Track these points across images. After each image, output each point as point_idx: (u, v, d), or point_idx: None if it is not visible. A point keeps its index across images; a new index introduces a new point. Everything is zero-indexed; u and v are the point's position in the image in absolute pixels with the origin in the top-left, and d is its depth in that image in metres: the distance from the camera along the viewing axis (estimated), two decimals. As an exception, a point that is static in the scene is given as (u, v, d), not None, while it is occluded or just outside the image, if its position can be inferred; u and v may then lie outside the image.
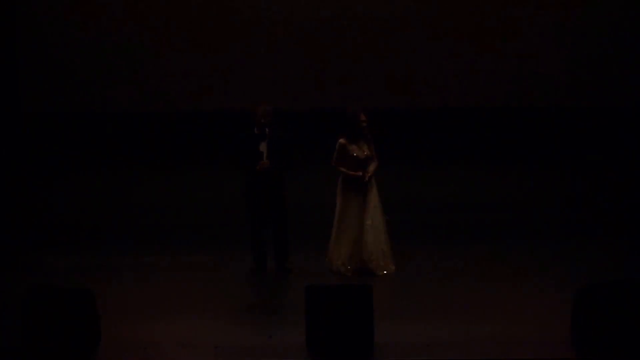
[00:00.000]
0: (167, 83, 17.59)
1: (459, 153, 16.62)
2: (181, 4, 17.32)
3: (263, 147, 11.45)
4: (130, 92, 17.58)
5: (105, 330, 9.71)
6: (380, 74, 17.40)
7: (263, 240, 11.83)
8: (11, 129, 17.29)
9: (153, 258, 12.33)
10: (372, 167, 11.61)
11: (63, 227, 13.57)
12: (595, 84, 17.29)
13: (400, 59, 17.30)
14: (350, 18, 17.27)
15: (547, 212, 14.03)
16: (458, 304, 10.80)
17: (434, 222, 13.71)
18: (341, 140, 11.56)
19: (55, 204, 14.74)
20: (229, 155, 11.66)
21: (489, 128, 17.26)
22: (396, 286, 11.45)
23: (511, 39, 17.25)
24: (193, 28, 17.46)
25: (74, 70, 17.42)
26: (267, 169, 11.41)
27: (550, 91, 17.44)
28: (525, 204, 14.43)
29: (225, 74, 17.49)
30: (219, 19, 17.46)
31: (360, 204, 11.61)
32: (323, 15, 17.31)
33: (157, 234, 13.21)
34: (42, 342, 9.36)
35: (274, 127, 11.53)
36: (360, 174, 11.52)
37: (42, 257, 12.42)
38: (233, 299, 11.11)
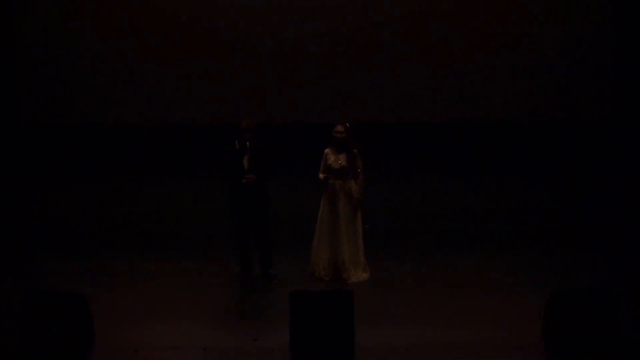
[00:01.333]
0: (157, 97, 17.71)
1: (438, 166, 16.78)
2: (171, 25, 17.40)
3: (246, 160, 11.52)
4: (123, 106, 17.66)
5: (98, 333, 9.83)
6: (365, 89, 17.64)
7: (248, 247, 11.87)
8: (10, 138, 17.41)
9: (144, 264, 12.31)
10: (355, 185, 11.70)
11: (58, 235, 13.58)
12: (571, 98, 17.55)
13: (384, 75, 17.55)
14: (338, 34, 17.47)
15: (520, 222, 14.06)
16: (435, 310, 10.88)
17: (413, 230, 13.79)
18: (325, 150, 11.73)
19: (52, 212, 14.72)
20: (216, 167, 11.80)
21: (466, 142, 17.51)
22: (376, 292, 11.48)
23: (496, 56, 17.51)
24: (183, 47, 17.49)
25: (70, 85, 17.57)
26: (252, 182, 11.50)
27: (528, 106, 17.69)
28: (500, 215, 14.43)
29: (212, 89, 17.67)
30: (206, 38, 17.56)
31: (337, 213, 11.68)
32: (310, 32, 17.50)
33: (148, 241, 13.08)
34: (39, 345, 9.45)
35: (256, 140, 11.58)
36: (329, 180, 11.65)
37: (39, 262, 12.30)
38: (220, 303, 11.21)
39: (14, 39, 17.34)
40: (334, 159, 11.65)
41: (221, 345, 10.00)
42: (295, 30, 17.31)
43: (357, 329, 9.76)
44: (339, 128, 11.61)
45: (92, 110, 17.51)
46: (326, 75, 17.41)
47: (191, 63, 17.48)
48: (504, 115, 17.58)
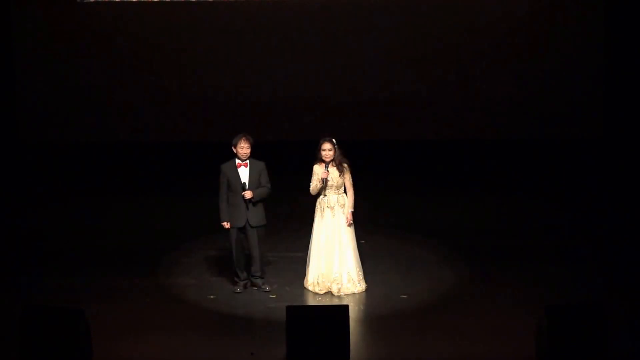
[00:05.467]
0: (155, 115, 17.80)
1: (443, 182, 17.02)
2: (167, 45, 17.55)
3: (244, 176, 11.58)
4: (120, 124, 17.77)
5: (96, 347, 9.77)
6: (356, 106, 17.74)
7: (244, 262, 11.85)
8: (9, 154, 17.44)
9: (141, 279, 12.22)
10: (347, 199, 11.71)
11: (55, 250, 13.59)
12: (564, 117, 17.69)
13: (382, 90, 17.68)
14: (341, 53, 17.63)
15: (518, 237, 14.11)
16: (428, 323, 10.92)
17: (409, 244, 13.83)
18: (314, 166, 11.66)
19: (49, 227, 14.75)
20: (216, 183, 11.80)
21: (470, 159, 17.67)
22: (371, 306, 11.50)
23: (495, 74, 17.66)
24: (179, 66, 17.68)
25: (70, 102, 17.62)
26: (250, 199, 11.55)
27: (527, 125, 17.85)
28: (496, 230, 14.53)
29: (208, 108, 17.75)
30: (203, 57, 17.68)
31: (330, 227, 11.69)
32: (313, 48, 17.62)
33: (145, 256, 13.20)
34: (39, 359, 9.42)
35: (253, 158, 11.62)
36: (322, 194, 11.68)
37: (37, 278, 12.28)
38: (218, 318, 11.19)
39: (14, 55, 17.37)
40: (320, 173, 11.65)
41: (219, 358, 10.06)
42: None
43: (352, 343, 9.72)
44: (326, 145, 11.61)
45: (90, 127, 17.58)
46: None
47: (186, 83, 17.59)
48: (503, 134, 17.74)
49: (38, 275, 12.56)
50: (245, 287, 11.89)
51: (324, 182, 11.60)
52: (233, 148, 11.60)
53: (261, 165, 11.69)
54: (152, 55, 17.53)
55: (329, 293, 11.74)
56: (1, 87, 17.44)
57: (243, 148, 11.56)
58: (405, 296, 11.75)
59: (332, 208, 11.72)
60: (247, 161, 11.60)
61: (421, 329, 10.82)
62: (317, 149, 11.64)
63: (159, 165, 17.61)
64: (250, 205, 11.59)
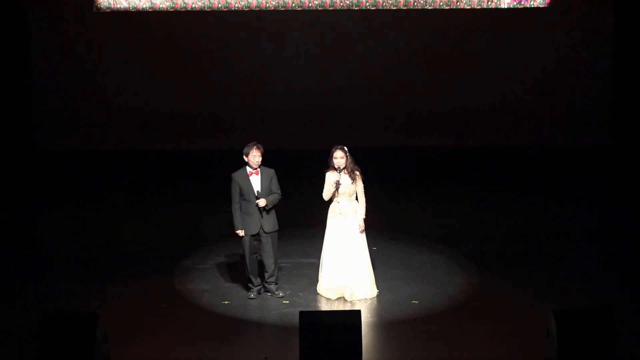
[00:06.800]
0: (169, 125, 17.90)
1: (452, 188, 17.07)
2: (179, 56, 17.64)
3: (256, 184, 11.66)
4: (135, 132, 17.86)
5: (113, 349, 9.85)
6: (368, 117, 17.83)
7: (257, 269, 11.92)
8: (26, 161, 17.53)
9: (156, 284, 12.36)
10: (359, 205, 11.76)
11: (73, 257, 13.66)
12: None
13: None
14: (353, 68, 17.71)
15: (527, 242, 14.13)
16: (439, 328, 10.98)
17: (419, 250, 13.87)
18: (327, 173, 11.72)
19: (66, 235, 14.84)
20: (229, 191, 11.89)
21: (479, 165, 17.73)
22: (382, 311, 11.51)
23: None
24: (192, 77, 17.76)
25: (84, 110, 17.73)
26: (264, 207, 11.62)
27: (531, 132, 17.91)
28: (506, 235, 14.53)
29: (220, 118, 17.85)
30: (220, 66, 17.76)
31: (342, 233, 11.75)
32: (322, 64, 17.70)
33: (160, 263, 13.21)
34: None
35: (264, 166, 11.71)
36: (335, 201, 11.75)
37: (55, 284, 12.32)
38: (232, 323, 11.22)
39: (30, 64, 17.50)
40: (331, 180, 11.71)
41: (234, 362, 10.03)
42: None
43: (364, 347, 9.66)
44: (338, 153, 11.68)
45: (106, 135, 17.69)
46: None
47: (200, 96, 17.70)
48: (508, 141, 17.82)
49: (56, 281, 12.62)
50: (259, 292, 11.95)
51: (337, 186, 11.67)
52: (245, 157, 11.69)
53: (271, 172, 11.79)
54: (169, 64, 17.61)
55: (342, 298, 11.79)
56: (18, 95, 17.55)
57: (255, 157, 11.66)
58: (416, 302, 11.78)
59: (345, 215, 11.79)
60: (258, 169, 11.70)
61: (432, 333, 10.86)
62: (329, 156, 11.71)
63: (174, 173, 17.67)
64: (263, 213, 11.69)
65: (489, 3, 17.19)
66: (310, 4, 17.07)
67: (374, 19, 17.38)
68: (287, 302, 11.79)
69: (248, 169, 11.68)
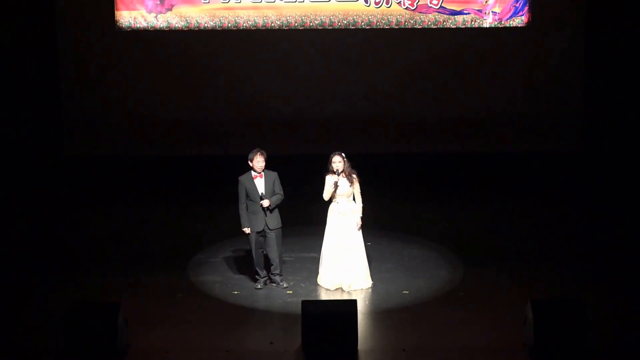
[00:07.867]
0: (186, 133, 17.89)
1: (441, 191, 16.94)
2: (195, 71, 17.63)
3: (261, 186, 11.77)
4: (154, 139, 17.85)
5: (133, 337, 10.01)
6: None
7: (263, 262, 12.02)
8: (56, 165, 17.53)
9: (172, 277, 12.35)
10: (356, 206, 11.82)
11: (97, 252, 13.68)
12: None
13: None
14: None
15: (508, 239, 14.09)
16: (428, 316, 11.03)
17: (410, 246, 13.86)
18: (326, 177, 11.78)
19: (90, 232, 14.88)
20: (236, 193, 11.93)
21: (466, 170, 17.71)
22: (376, 300, 11.55)
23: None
24: (207, 88, 17.76)
25: (111, 119, 17.71)
26: (268, 208, 11.76)
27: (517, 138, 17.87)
28: (489, 233, 14.43)
29: (228, 125, 17.83)
30: (230, 83, 17.75)
31: (341, 231, 11.82)
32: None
33: (175, 258, 13.19)
34: (82, 348, 9.58)
35: (269, 169, 11.82)
36: (334, 201, 11.83)
37: (80, 276, 12.35)
38: (240, 311, 11.31)
39: (59, 77, 17.49)
40: (330, 182, 11.79)
41: (241, 348, 10.20)
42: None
43: (360, 333, 9.91)
44: (336, 158, 11.79)
45: (130, 142, 17.69)
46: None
47: (211, 105, 17.71)
48: (492, 147, 17.79)
49: (82, 274, 12.66)
50: (265, 283, 12.10)
51: (335, 186, 11.71)
52: (250, 162, 11.81)
53: (274, 174, 11.89)
54: (185, 77, 17.62)
55: (340, 289, 11.94)
56: (49, 106, 17.53)
57: (259, 162, 11.78)
58: (407, 292, 11.87)
59: (344, 214, 11.90)
60: (262, 173, 11.77)
61: (421, 320, 10.98)
62: (328, 161, 11.81)
63: (191, 177, 17.65)
64: (267, 212, 11.73)
65: (472, 23, 17.16)
66: (311, 24, 17.09)
67: (368, 38, 17.35)
68: (291, 292, 11.90)
69: (253, 172, 11.74)
